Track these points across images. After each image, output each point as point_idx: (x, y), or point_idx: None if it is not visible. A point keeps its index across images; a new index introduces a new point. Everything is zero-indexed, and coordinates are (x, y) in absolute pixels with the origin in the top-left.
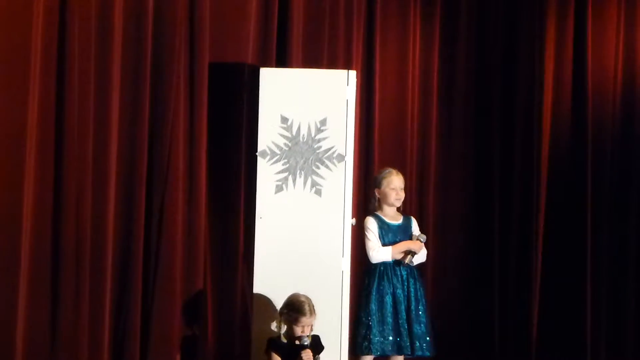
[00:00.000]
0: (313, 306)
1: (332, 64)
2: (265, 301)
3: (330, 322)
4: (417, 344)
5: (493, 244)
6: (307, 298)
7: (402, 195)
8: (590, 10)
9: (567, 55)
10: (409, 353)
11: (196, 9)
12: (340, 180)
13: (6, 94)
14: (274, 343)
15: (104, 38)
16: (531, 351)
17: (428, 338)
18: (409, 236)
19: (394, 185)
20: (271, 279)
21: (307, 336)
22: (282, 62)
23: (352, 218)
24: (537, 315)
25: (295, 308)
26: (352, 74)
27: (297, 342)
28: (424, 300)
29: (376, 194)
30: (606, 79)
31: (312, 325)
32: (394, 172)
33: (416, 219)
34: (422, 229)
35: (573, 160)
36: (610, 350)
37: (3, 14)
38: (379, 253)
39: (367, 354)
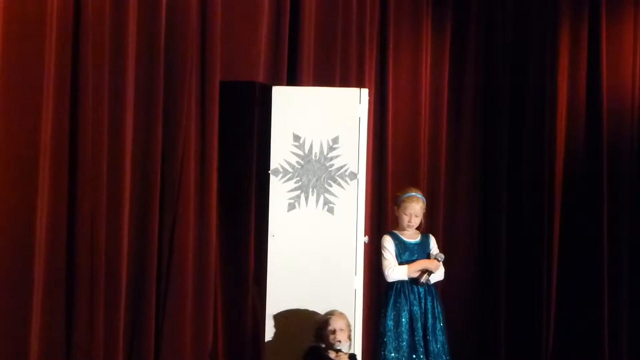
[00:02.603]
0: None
1: (344, 83)
2: (278, 320)
3: None
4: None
5: (501, 260)
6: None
7: (415, 222)
8: (604, 26)
9: (581, 73)
10: None
11: (208, 28)
12: (352, 198)
13: (20, 111)
14: (313, 351)
15: (117, 57)
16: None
17: (446, 357)
18: (427, 254)
19: (409, 211)
20: (284, 298)
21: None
22: (293, 80)
23: (365, 236)
24: (552, 329)
25: (325, 318)
26: (365, 92)
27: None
28: (441, 318)
29: (394, 211)
30: (623, 97)
31: (348, 336)
32: (415, 198)
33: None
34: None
35: (587, 178)
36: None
37: (17, 35)
38: (395, 272)
39: None
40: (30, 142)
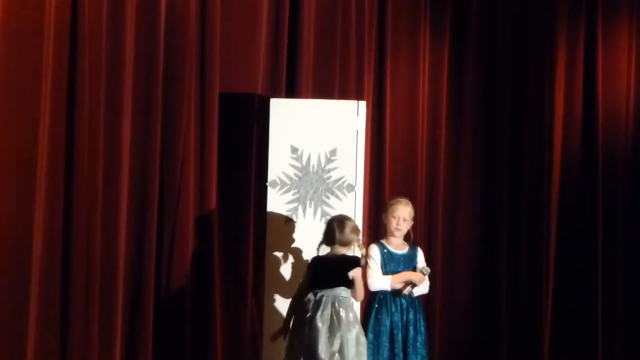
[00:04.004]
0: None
1: (343, 94)
2: (276, 330)
3: None
4: None
5: (501, 273)
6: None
7: (403, 226)
8: (600, 38)
9: (578, 83)
10: None
11: (207, 40)
12: (350, 210)
13: (17, 121)
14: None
15: (115, 68)
16: None
17: None
18: (413, 267)
19: (396, 214)
20: (282, 310)
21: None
22: (292, 92)
23: (362, 248)
24: (548, 342)
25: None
26: (362, 104)
27: None
28: (423, 330)
29: (383, 219)
30: (617, 106)
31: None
32: (403, 202)
33: (424, 247)
34: (431, 258)
35: (584, 188)
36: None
37: (14, 44)
38: (378, 281)
39: None
40: (27, 151)
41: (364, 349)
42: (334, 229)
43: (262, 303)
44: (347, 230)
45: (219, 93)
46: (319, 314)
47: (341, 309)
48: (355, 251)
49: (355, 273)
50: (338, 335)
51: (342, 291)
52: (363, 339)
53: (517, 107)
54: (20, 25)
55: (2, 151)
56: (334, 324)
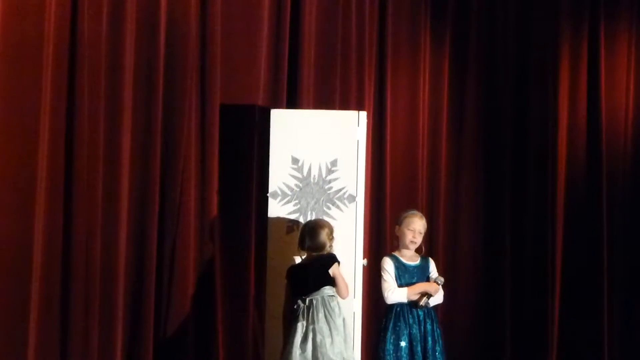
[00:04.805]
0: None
1: (344, 105)
2: (277, 343)
3: None
4: None
5: (504, 283)
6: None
7: (418, 239)
8: (603, 49)
9: (581, 91)
10: None
11: (207, 51)
12: (351, 221)
13: (17, 133)
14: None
15: (115, 80)
16: None
17: None
18: (426, 278)
19: (413, 227)
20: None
21: None
22: (293, 103)
23: (364, 259)
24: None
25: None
26: (363, 114)
27: None
28: (441, 341)
29: (395, 231)
30: (619, 117)
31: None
32: (418, 215)
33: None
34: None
35: (589, 197)
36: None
37: (12, 62)
38: (394, 294)
39: None
40: (27, 163)
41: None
42: (304, 235)
43: (263, 313)
44: (318, 237)
45: (219, 104)
46: (314, 320)
47: (332, 309)
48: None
49: (334, 269)
50: (337, 339)
51: (328, 290)
52: (346, 323)
53: (520, 116)
54: (20, 34)
55: (2, 156)
56: (331, 327)
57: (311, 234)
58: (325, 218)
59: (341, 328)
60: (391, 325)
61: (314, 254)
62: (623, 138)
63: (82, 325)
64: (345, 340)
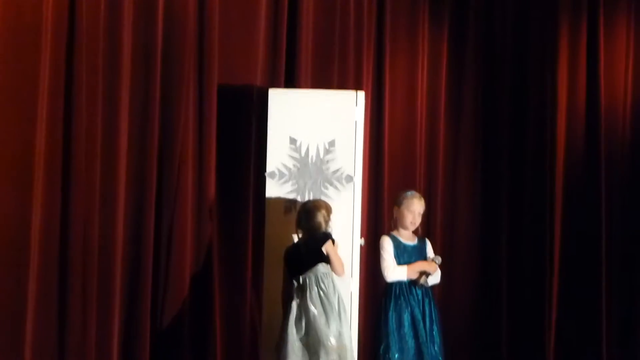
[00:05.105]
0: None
1: (342, 85)
2: (275, 324)
3: None
4: None
5: (501, 266)
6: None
7: (418, 221)
8: (602, 33)
9: (580, 75)
10: None
11: (205, 31)
12: (349, 201)
13: (14, 115)
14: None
15: (113, 60)
16: None
17: (442, 358)
18: (424, 257)
19: (413, 208)
20: (281, 302)
21: None
22: (291, 83)
23: (361, 238)
24: (553, 337)
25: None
26: (361, 94)
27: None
28: (438, 320)
29: (394, 212)
30: (618, 98)
31: None
32: (418, 196)
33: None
34: (433, 251)
35: (587, 179)
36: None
37: (10, 41)
38: (395, 272)
39: None
40: (25, 145)
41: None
42: (301, 215)
43: (261, 294)
44: (314, 217)
45: (217, 84)
46: (307, 297)
47: (326, 287)
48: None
49: (327, 247)
50: (332, 316)
51: (322, 267)
52: (342, 300)
53: (518, 98)
54: (18, 17)
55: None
56: (325, 305)
57: (307, 215)
58: (323, 198)
59: (336, 305)
60: (392, 304)
61: (310, 233)
62: (621, 122)
63: (80, 307)
64: (340, 318)
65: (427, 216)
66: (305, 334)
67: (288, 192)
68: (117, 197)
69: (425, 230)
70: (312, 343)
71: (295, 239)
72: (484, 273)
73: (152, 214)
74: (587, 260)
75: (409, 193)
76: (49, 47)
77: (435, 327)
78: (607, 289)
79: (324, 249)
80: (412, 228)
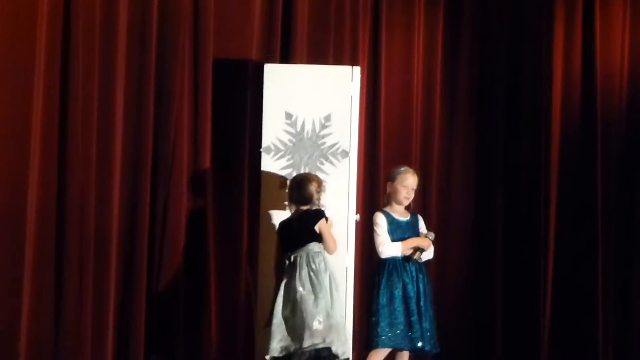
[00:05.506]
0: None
1: (338, 60)
2: (269, 298)
3: None
4: (426, 339)
5: (497, 242)
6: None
7: (412, 195)
8: (597, 6)
9: (576, 49)
10: (421, 347)
11: (200, 5)
12: (344, 176)
13: (10, 94)
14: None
15: (108, 35)
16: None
17: (433, 334)
18: (417, 233)
19: (407, 183)
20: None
21: None
22: (287, 58)
23: (356, 214)
24: (548, 314)
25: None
26: (357, 69)
27: None
28: (430, 296)
29: (387, 187)
30: (614, 75)
31: None
32: (411, 171)
33: (419, 214)
34: (426, 225)
35: (582, 157)
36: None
37: (7, 15)
38: (389, 248)
39: (378, 347)
40: (20, 121)
41: (333, 281)
42: (292, 187)
43: (256, 268)
44: (305, 189)
45: (212, 59)
46: (296, 277)
47: (316, 266)
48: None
49: (321, 225)
50: (321, 295)
51: (315, 246)
52: (333, 279)
53: (514, 73)
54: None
55: None
56: (314, 284)
57: (299, 187)
58: (318, 173)
59: (326, 284)
60: (384, 280)
61: (302, 208)
62: (618, 93)
63: (77, 280)
64: (332, 296)
65: (422, 191)
66: (291, 314)
67: (283, 167)
68: (112, 171)
69: (420, 206)
70: (298, 324)
71: (288, 211)
72: (479, 248)
73: (147, 187)
74: (583, 233)
75: (402, 168)
76: (45, 22)
77: (428, 304)
78: (603, 260)
79: (316, 228)
80: (406, 203)
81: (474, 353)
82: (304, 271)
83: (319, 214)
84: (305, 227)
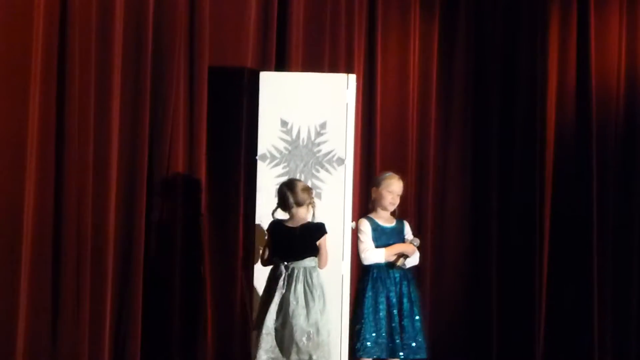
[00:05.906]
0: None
1: (333, 68)
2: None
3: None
4: (411, 345)
5: (491, 246)
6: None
7: (397, 201)
8: (592, 9)
9: (571, 54)
10: (402, 356)
11: (196, 13)
12: (340, 184)
13: (7, 97)
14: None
15: (105, 42)
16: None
17: (421, 339)
18: (403, 239)
19: (392, 189)
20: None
21: None
22: (282, 65)
23: (352, 222)
24: (543, 317)
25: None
26: (352, 77)
27: None
28: (418, 302)
29: (372, 193)
30: (609, 78)
31: None
32: (396, 177)
33: (414, 221)
34: (421, 230)
35: (577, 159)
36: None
37: (3, 17)
38: (372, 255)
39: (362, 357)
40: (17, 123)
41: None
42: (286, 192)
43: (251, 275)
44: (299, 190)
45: (208, 66)
46: (291, 290)
47: (312, 281)
48: (310, 213)
49: (321, 241)
50: (313, 311)
51: (310, 261)
52: (324, 292)
53: (509, 78)
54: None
55: None
56: (308, 300)
57: (291, 189)
58: (314, 181)
59: (317, 297)
60: (369, 287)
61: (299, 215)
62: (615, 96)
63: (74, 282)
64: (322, 310)
65: (418, 197)
66: (282, 327)
67: (279, 175)
68: (109, 176)
69: (416, 211)
70: (287, 337)
71: (278, 215)
72: (475, 251)
73: (144, 196)
74: (579, 235)
75: (387, 174)
76: (41, 26)
77: (415, 309)
78: (599, 261)
79: (318, 243)
80: (392, 209)
81: (469, 354)
82: (300, 286)
83: (322, 229)
84: (307, 241)
